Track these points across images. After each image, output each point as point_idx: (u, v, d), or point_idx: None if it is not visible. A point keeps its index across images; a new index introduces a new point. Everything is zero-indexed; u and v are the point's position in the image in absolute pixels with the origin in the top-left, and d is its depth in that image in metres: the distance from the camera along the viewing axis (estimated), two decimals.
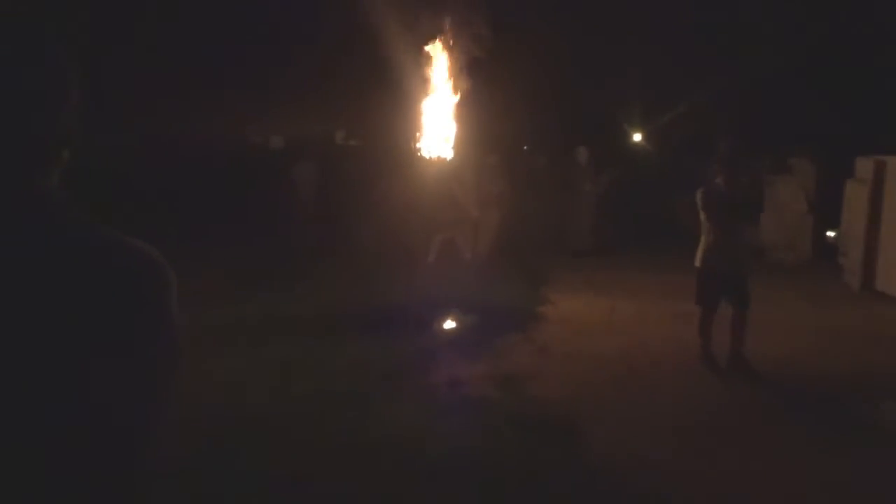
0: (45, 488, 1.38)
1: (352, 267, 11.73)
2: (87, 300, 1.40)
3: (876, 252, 11.75)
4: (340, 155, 20.41)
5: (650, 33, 19.15)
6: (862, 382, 7.30)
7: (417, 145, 9.67)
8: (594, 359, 8.11)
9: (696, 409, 6.72)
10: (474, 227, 12.09)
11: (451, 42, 9.87)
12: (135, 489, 1.48)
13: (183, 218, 14.55)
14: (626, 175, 18.26)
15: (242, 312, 9.14)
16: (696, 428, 6.24)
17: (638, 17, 19.40)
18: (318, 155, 18.60)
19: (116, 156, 15.97)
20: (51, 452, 1.37)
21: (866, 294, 11.58)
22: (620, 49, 19.61)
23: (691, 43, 18.48)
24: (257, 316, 9.04)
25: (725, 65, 17.45)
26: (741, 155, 8.47)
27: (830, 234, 13.94)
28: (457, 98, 9.78)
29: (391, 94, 15.11)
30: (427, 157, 9.72)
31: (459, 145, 9.99)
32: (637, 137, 22.48)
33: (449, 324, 9.13)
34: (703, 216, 7.67)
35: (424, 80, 10.16)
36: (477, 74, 10.09)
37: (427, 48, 10.09)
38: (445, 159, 9.86)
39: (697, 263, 7.77)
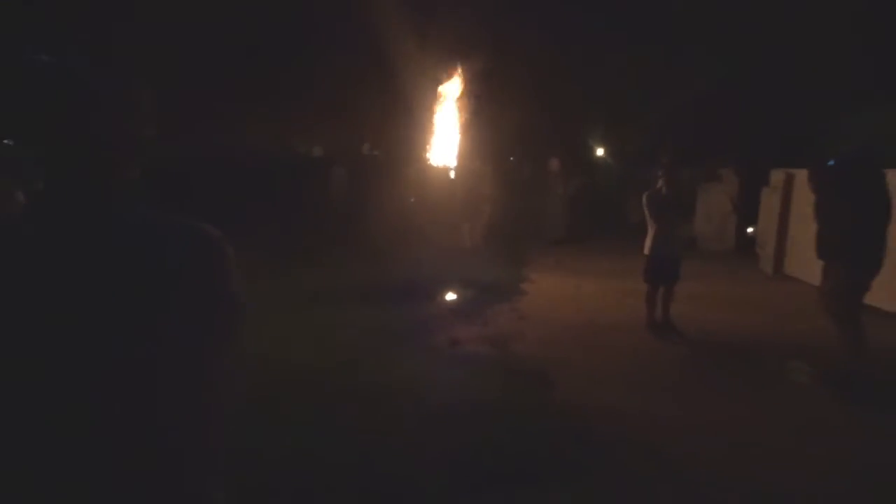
0: (152, 418, 1.39)
1: (374, 250, 11.66)
2: (169, 265, 1.40)
3: (785, 244, 11.76)
4: (366, 162, 20.34)
5: (608, 71, 19.03)
6: (773, 344, 7.26)
7: (428, 156, 9.70)
8: (564, 324, 8.04)
9: (642, 362, 6.68)
10: (471, 219, 12.11)
11: (456, 76, 9.88)
12: (216, 414, 1.49)
13: (246, 210, 14.53)
14: (591, 181, 18.24)
15: (287, 285, 9.07)
16: (641, 377, 6.20)
17: (597, 57, 19.29)
18: (348, 162, 18.54)
19: (193, 160, 15.86)
20: (151, 389, 1.38)
21: (777, 277, 11.60)
22: (585, 83, 19.51)
23: (640, 76, 18.36)
24: (300, 288, 8.97)
25: (668, 94, 17.34)
26: (679, 166, 8.45)
27: (750, 229, 13.95)
28: (460, 119, 9.81)
29: (407, 114, 15.11)
30: (435, 165, 9.74)
31: (461, 156, 10.00)
32: (600, 152, 22.37)
33: (450, 296, 9.09)
34: (648, 214, 7.64)
35: (434, 104, 10.18)
36: (476, 101, 10.14)
37: (437, 83, 10.11)
38: (449, 167, 9.85)
39: (646, 251, 7.71)
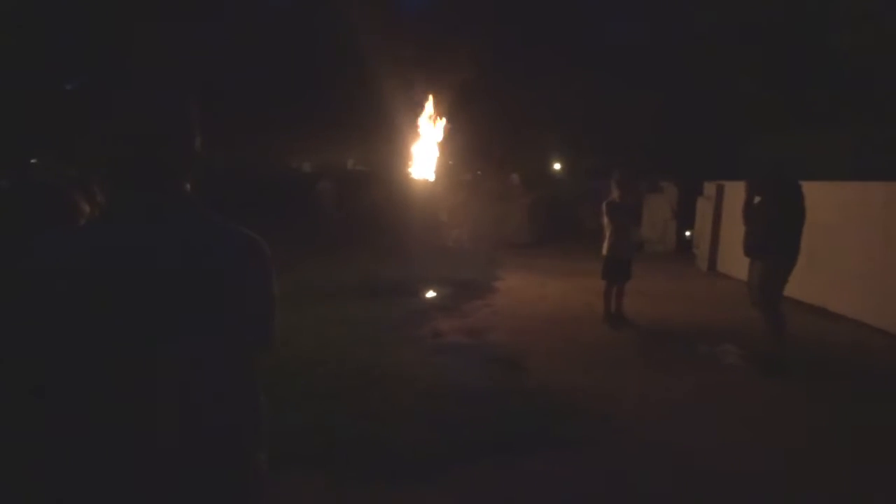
0: (217, 394, 1.44)
1: (362, 253, 11.75)
2: (224, 261, 1.44)
3: (717, 246, 12.07)
4: (350, 177, 20.44)
5: (565, 98, 19.37)
6: (708, 331, 7.49)
7: (409, 170, 9.83)
8: (532, 317, 8.20)
9: (599, 348, 6.87)
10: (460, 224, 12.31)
11: (431, 100, 10.04)
12: (259, 391, 1.55)
13: (248, 218, 14.50)
14: (550, 192, 18.50)
15: (282, 283, 9.12)
16: (598, 360, 6.40)
17: (556, 87, 19.63)
18: (334, 176, 18.62)
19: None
20: (216, 370, 1.44)
21: (711, 273, 11.87)
22: (545, 109, 19.81)
23: (593, 103, 18.73)
24: (297, 286, 8.89)
25: (616, 118, 17.71)
26: (634, 178, 8.70)
27: (688, 233, 14.21)
28: (436, 138, 9.96)
29: (388, 133, 15.26)
30: (415, 178, 9.88)
31: (438, 171, 10.15)
32: (557, 166, 22.66)
33: (431, 293, 9.21)
34: (606, 220, 7.83)
35: (413, 125, 10.33)
36: (450, 123, 10.32)
37: (415, 106, 10.27)
38: (428, 180, 10.00)
39: (604, 252, 7.87)
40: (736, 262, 10.03)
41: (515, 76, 19.72)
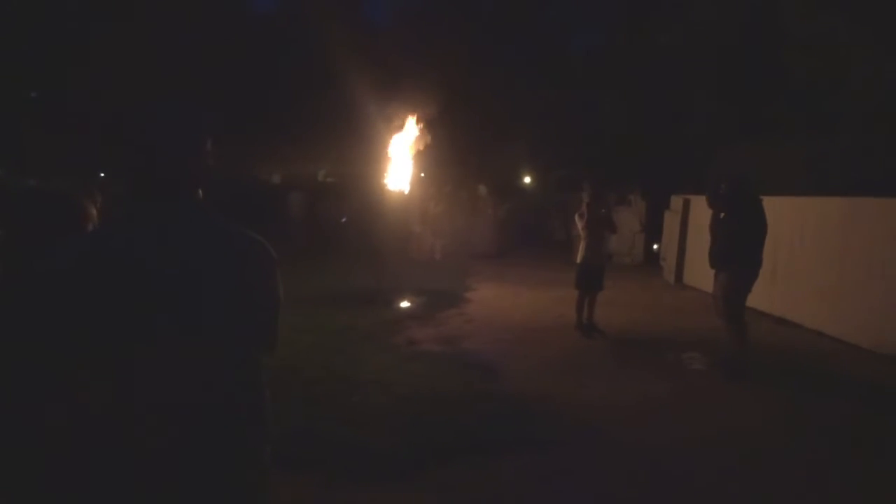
0: (228, 389, 1.55)
1: (333, 262, 11.78)
2: (234, 264, 1.55)
3: (684, 258, 12.28)
4: (321, 188, 20.49)
5: (533, 113, 19.74)
6: (674, 339, 7.69)
7: (385, 181, 9.93)
8: (505, 326, 8.35)
9: (571, 356, 7.04)
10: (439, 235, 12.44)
11: (404, 113, 10.17)
12: (264, 387, 1.66)
13: None
14: (519, 204, 18.78)
15: None
16: (570, 367, 6.58)
17: (524, 101, 20.02)
18: (305, 188, 18.70)
19: None
20: (229, 365, 1.55)
21: (678, 285, 12.10)
22: (514, 120, 20.15)
23: (561, 117, 19.11)
24: None
25: (584, 133, 18.09)
26: (604, 189, 8.93)
27: (655, 246, 14.45)
28: (408, 150, 10.08)
29: (359, 146, 15.38)
30: (391, 189, 9.98)
31: (410, 182, 10.26)
32: (527, 179, 22.98)
33: (406, 303, 9.30)
34: (581, 230, 7.99)
35: (385, 137, 10.45)
36: (422, 135, 10.47)
37: (388, 119, 10.38)
38: (403, 191, 10.11)
39: (578, 260, 8.02)
40: (701, 275, 10.33)
41: (486, 89, 20.05)
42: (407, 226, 13.11)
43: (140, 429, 1.46)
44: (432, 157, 14.82)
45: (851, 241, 7.74)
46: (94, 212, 2.11)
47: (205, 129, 1.64)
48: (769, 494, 4.01)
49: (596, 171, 13.79)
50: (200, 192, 1.62)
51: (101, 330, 1.44)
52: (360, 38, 18.88)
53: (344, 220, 15.34)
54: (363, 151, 14.40)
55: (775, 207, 6.84)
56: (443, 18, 20.84)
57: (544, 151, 20.56)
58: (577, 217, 8.07)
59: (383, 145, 10.35)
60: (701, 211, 8.29)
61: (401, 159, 10.20)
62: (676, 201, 12.74)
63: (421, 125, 10.49)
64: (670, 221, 12.98)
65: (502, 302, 10.04)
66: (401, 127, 10.30)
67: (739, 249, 6.35)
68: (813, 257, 8.44)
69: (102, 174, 16.96)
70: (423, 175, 14.46)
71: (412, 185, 10.47)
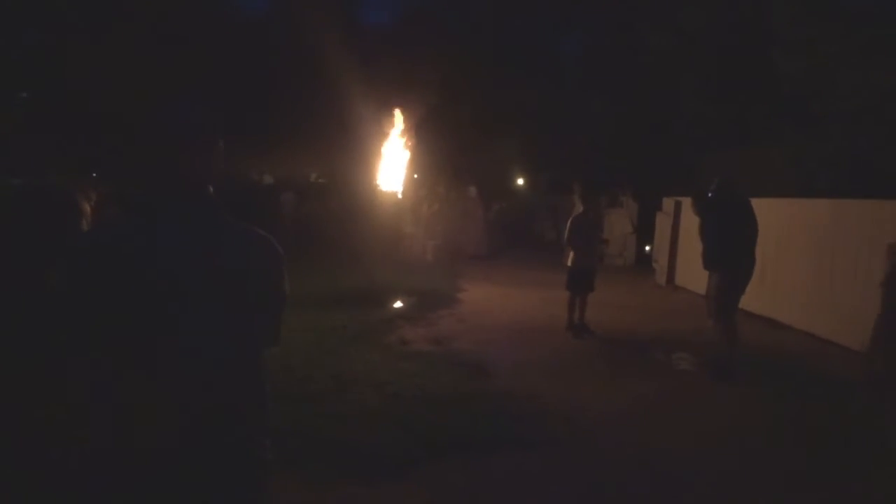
0: (233, 381, 1.59)
1: (323, 261, 11.79)
2: (243, 260, 1.60)
3: (675, 260, 12.43)
4: (313, 189, 20.52)
5: (525, 114, 19.83)
6: (663, 339, 7.76)
7: (377, 183, 9.98)
8: (496, 326, 8.41)
9: (561, 356, 7.11)
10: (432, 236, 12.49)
11: (396, 113, 10.23)
12: (265, 381, 1.70)
13: None
14: (509, 206, 18.86)
15: None
16: (560, 368, 6.65)
17: (516, 103, 20.12)
18: (296, 188, 18.73)
19: None
20: (236, 358, 1.59)
21: (669, 287, 12.23)
22: (505, 124, 20.24)
23: (552, 118, 19.21)
24: None
25: (575, 134, 18.18)
26: (596, 192, 9.00)
27: (647, 247, 14.56)
28: (400, 151, 10.15)
29: (351, 147, 15.42)
30: (382, 190, 10.04)
31: (403, 183, 10.31)
32: (520, 181, 23.05)
33: (398, 303, 9.32)
34: (571, 235, 8.07)
35: (380, 139, 10.51)
36: (414, 136, 10.54)
37: (380, 118, 10.45)
38: (395, 192, 10.16)
39: (569, 264, 8.10)
40: (693, 277, 10.44)
41: (476, 90, 20.12)
42: (398, 226, 13.18)
43: (149, 418, 1.50)
44: (424, 158, 14.91)
45: (839, 243, 7.84)
46: (87, 208, 2.15)
47: (219, 128, 1.69)
48: (757, 494, 4.08)
49: (586, 173, 13.88)
50: (211, 189, 1.67)
51: (118, 320, 1.49)
52: (352, 40, 18.92)
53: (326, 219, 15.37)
54: (355, 153, 14.47)
55: (764, 209, 6.92)
56: (434, 20, 20.92)
57: (535, 153, 20.65)
58: (569, 222, 8.13)
59: (375, 147, 10.43)
60: (692, 213, 8.37)
61: (392, 160, 10.27)
62: (668, 203, 12.84)
63: (412, 126, 10.57)
64: (662, 223, 13.07)
65: (493, 302, 10.10)
66: (392, 128, 10.37)
67: (731, 250, 6.43)
68: (801, 259, 8.55)
69: (94, 174, 16.91)
70: (415, 176, 14.53)
71: (404, 186, 10.55)
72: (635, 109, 15.71)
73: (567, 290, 8.17)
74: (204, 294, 1.54)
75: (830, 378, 6.50)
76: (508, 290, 11.12)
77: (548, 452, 4.55)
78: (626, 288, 11.71)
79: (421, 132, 12.28)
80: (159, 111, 1.67)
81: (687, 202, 11.67)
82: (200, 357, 1.54)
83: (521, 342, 7.68)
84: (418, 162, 13.69)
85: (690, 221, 10.00)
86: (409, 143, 10.66)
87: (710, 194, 6.67)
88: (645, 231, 14.45)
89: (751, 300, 8.18)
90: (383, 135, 10.47)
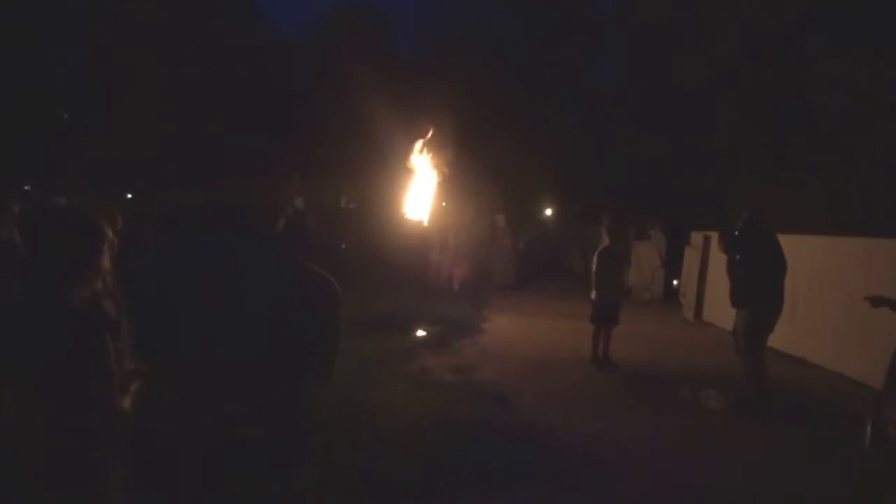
0: (293, 393, 1.70)
1: (350, 289, 11.82)
2: (307, 295, 1.70)
3: (704, 295, 12.24)
4: (343, 214, 20.72)
5: (557, 145, 19.87)
6: (692, 377, 7.62)
7: (402, 209, 10.03)
8: (519, 357, 8.36)
9: (584, 389, 7.05)
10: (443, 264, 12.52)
11: (428, 143, 10.30)
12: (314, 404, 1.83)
13: None
14: (538, 235, 18.81)
15: None
16: (583, 401, 6.60)
17: (548, 133, 20.19)
18: (324, 213, 18.90)
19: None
20: (296, 376, 1.70)
21: (697, 322, 12.02)
22: (537, 154, 20.29)
23: (583, 150, 19.22)
24: None
25: (605, 166, 18.16)
26: (623, 224, 8.98)
27: (675, 281, 14.34)
28: (431, 179, 10.20)
29: (381, 174, 15.58)
30: (408, 216, 10.07)
31: (432, 210, 10.33)
32: (549, 211, 23.02)
33: (421, 331, 9.35)
34: (599, 265, 8.04)
35: (408, 166, 10.60)
36: (444, 165, 10.62)
37: (410, 147, 10.54)
38: (422, 220, 10.18)
39: (594, 297, 8.08)
40: (721, 312, 10.26)
41: (508, 119, 20.25)
42: (425, 254, 13.21)
43: (195, 434, 1.60)
44: (453, 186, 15.00)
45: (872, 281, 7.65)
46: (110, 233, 2.23)
47: (288, 161, 1.82)
48: None
49: (615, 205, 13.83)
50: (276, 226, 1.74)
51: (182, 330, 1.61)
52: (385, 68, 19.24)
53: (343, 245, 15.47)
54: (384, 179, 14.62)
55: (796, 245, 6.83)
56: (467, 49, 21.17)
57: (565, 183, 20.64)
58: (596, 255, 8.13)
59: (405, 173, 10.52)
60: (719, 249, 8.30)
61: (420, 188, 10.35)
62: (696, 237, 12.72)
63: (441, 154, 10.66)
64: (690, 257, 12.95)
65: (518, 333, 10.06)
66: (421, 156, 10.47)
67: (759, 286, 6.35)
68: (833, 297, 8.38)
69: (129, 195, 17.35)
70: (444, 204, 14.61)
71: (432, 213, 10.61)
72: (666, 141, 15.65)
73: (591, 322, 8.14)
74: (252, 327, 1.61)
75: (860, 421, 6.32)
76: (534, 321, 11.07)
77: (567, 486, 4.51)
78: (652, 322, 11.59)
79: (450, 160, 12.37)
80: (246, 149, 1.78)
81: (716, 237, 11.60)
82: (242, 385, 1.61)
83: (544, 374, 7.63)
84: (447, 190, 13.79)
85: (719, 256, 9.85)
86: (438, 171, 10.76)
87: (737, 230, 6.61)
88: (673, 264, 14.26)
89: (780, 338, 8.03)
90: (412, 161, 10.56)
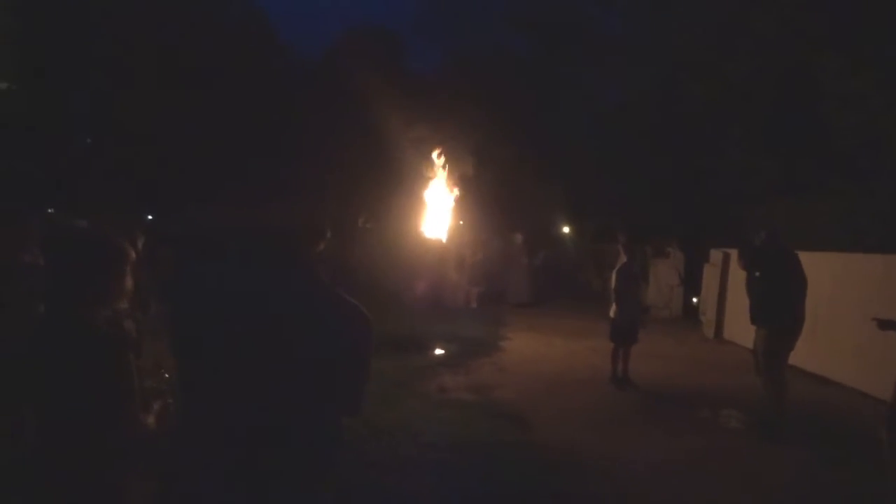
0: (326, 420, 1.70)
1: (367, 308, 11.88)
2: (339, 327, 1.69)
3: (724, 313, 12.17)
4: (361, 233, 20.83)
5: (573, 163, 19.89)
6: (710, 395, 7.58)
7: (421, 229, 10.12)
8: (536, 375, 8.34)
9: (603, 408, 7.01)
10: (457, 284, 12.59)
11: (445, 163, 10.44)
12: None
13: None
14: (555, 253, 18.78)
15: None
16: (602, 420, 6.55)
17: (564, 153, 20.21)
18: (341, 233, 19.00)
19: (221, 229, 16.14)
20: (324, 406, 1.68)
21: (717, 340, 11.93)
22: (553, 172, 20.31)
23: (600, 168, 19.20)
24: None
25: (621, 183, 18.12)
26: (636, 243, 8.97)
27: (695, 299, 14.26)
28: (449, 200, 10.33)
29: (398, 194, 15.69)
30: (428, 237, 10.17)
31: (449, 229, 10.44)
32: (566, 229, 22.96)
33: (438, 350, 9.35)
34: (617, 283, 8.03)
35: (425, 185, 10.71)
36: (460, 183, 10.75)
37: (427, 167, 10.68)
38: (440, 239, 10.27)
39: (612, 315, 8.05)
40: (742, 330, 10.18)
41: (523, 137, 20.29)
42: (442, 273, 13.27)
43: (216, 457, 1.62)
44: (469, 205, 15.07)
45: (892, 297, 7.59)
46: (133, 254, 2.29)
47: (325, 187, 1.81)
48: None
49: (632, 222, 13.81)
50: (312, 257, 1.75)
51: (204, 354, 1.65)
52: (402, 87, 19.41)
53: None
54: (401, 199, 14.72)
55: (816, 263, 6.77)
56: (479, 68, 21.32)
57: (581, 200, 20.60)
58: (614, 273, 8.13)
59: (420, 193, 10.62)
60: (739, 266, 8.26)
61: (437, 207, 10.44)
62: (716, 255, 12.66)
63: (457, 174, 10.77)
64: (709, 275, 12.87)
65: (535, 351, 10.04)
66: (437, 175, 10.58)
67: (778, 304, 6.29)
68: (853, 314, 8.27)
69: (150, 216, 17.59)
70: (460, 223, 14.67)
71: (449, 232, 10.69)
72: (682, 159, 15.61)
73: (610, 341, 8.11)
74: (274, 353, 1.62)
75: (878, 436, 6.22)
76: (551, 340, 11.04)
77: None
78: (672, 340, 11.52)
79: (466, 179, 12.44)
80: (297, 185, 1.81)
81: (735, 254, 11.53)
82: (264, 410, 1.62)
83: (563, 393, 7.60)
84: (463, 209, 13.85)
85: (739, 274, 9.79)
86: (455, 191, 10.85)
87: (757, 247, 6.58)
88: (692, 282, 14.19)
89: (801, 356, 7.94)
90: (428, 182, 10.67)
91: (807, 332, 6.49)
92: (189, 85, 18.65)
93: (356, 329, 1.74)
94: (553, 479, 4.86)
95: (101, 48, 17.68)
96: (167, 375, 2.68)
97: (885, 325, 4.72)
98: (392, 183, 16.73)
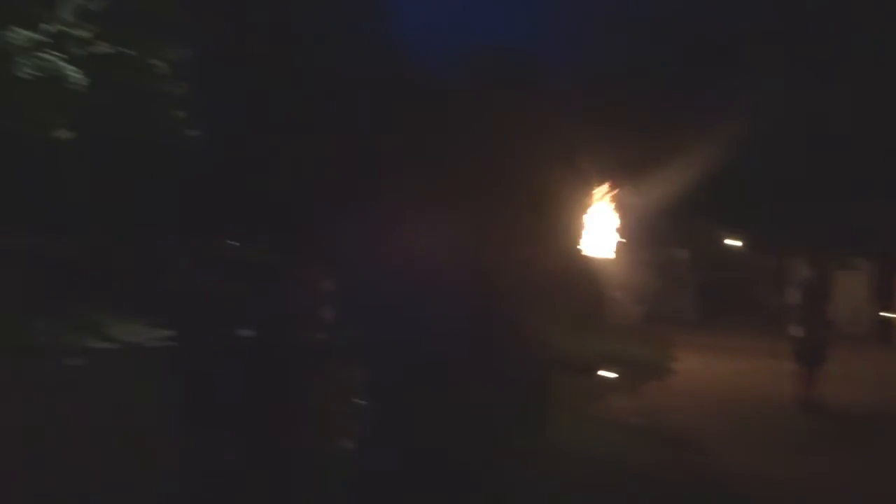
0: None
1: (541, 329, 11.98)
2: (518, 347, 1.85)
3: None
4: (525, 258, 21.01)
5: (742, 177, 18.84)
6: None
7: (581, 248, 10.10)
8: (709, 397, 8.13)
9: (787, 435, 6.73)
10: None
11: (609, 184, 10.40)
12: None
13: None
14: (723, 269, 17.91)
15: None
16: (785, 448, 6.29)
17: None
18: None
19: None
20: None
21: None
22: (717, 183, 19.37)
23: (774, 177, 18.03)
24: None
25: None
26: (824, 257, 8.46)
27: (888, 315, 13.29)
28: (611, 218, 10.25)
29: (554, 213, 15.72)
30: (590, 256, 10.13)
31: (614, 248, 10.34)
32: (737, 243, 21.73)
33: (605, 371, 9.10)
34: (802, 299, 7.72)
35: (584, 203, 10.71)
36: (621, 200, 10.64)
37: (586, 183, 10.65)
38: (604, 258, 10.20)
39: (796, 333, 7.71)
40: None
41: (686, 148, 19.52)
42: (606, 292, 13.11)
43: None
44: (631, 221, 14.78)
45: None
46: (325, 283, 2.58)
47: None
48: None
49: (812, 233, 12.97)
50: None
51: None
52: (544, 104, 19.41)
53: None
54: (555, 218, 14.71)
55: None
56: (625, 77, 20.76)
57: (753, 214, 19.43)
58: (795, 288, 7.79)
59: (579, 212, 10.62)
60: None
61: (598, 225, 10.40)
62: None
63: (617, 191, 10.66)
64: None
65: (707, 372, 9.76)
66: (596, 195, 10.56)
67: None
68: None
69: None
70: (623, 241, 14.44)
71: (614, 250, 10.60)
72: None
73: (795, 361, 7.74)
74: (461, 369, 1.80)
75: None
76: (723, 360, 10.71)
77: None
78: (863, 360, 10.77)
79: (627, 196, 12.27)
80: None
81: None
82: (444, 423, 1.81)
83: (739, 417, 7.37)
84: (625, 226, 13.64)
85: None
86: (616, 208, 10.75)
87: None
88: (884, 296, 13.09)
89: None
90: (588, 199, 10.66)
91: None
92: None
93: (533, 351, 1.88)
94: None
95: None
96: None
97: None
98: (545, 201, 16.77)
